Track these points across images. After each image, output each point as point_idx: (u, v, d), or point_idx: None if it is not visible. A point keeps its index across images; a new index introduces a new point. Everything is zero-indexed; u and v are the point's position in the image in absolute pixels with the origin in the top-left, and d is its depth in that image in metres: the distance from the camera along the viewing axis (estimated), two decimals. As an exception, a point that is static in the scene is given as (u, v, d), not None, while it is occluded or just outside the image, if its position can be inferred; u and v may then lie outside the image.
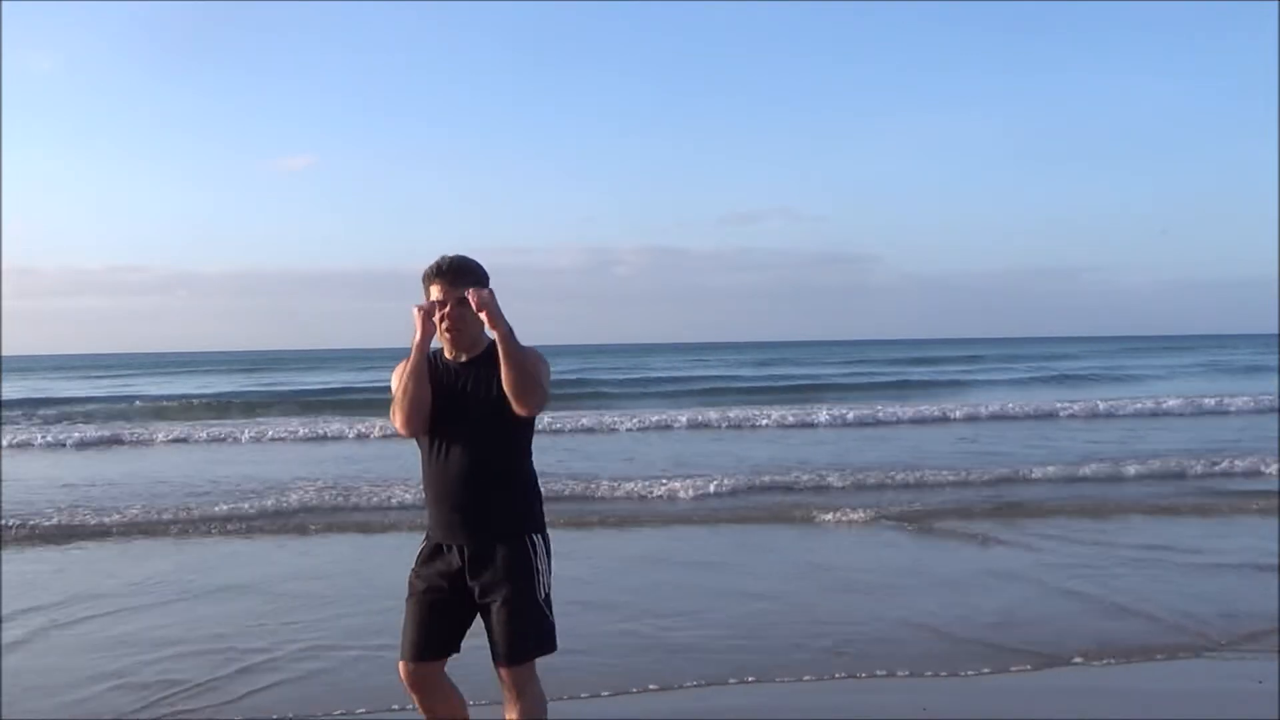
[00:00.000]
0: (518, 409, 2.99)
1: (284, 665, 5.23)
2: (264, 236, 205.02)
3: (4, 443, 17.67)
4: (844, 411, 20.78)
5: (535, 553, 3.08)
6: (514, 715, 3.06)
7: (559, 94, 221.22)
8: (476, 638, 3.11)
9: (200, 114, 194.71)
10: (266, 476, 12.40)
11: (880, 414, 20.54)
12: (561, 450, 15.21)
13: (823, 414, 20.45)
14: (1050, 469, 12.12)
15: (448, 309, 3.05)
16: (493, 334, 2.98)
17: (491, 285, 3.09)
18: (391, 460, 13.40)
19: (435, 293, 3.08)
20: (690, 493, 10.80)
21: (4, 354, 64.08)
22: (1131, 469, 12.14)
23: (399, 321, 3.12)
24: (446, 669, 3.18)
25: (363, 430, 18.09)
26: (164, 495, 11.03)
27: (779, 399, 27.06)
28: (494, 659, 3.07)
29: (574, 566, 7.32)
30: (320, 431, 18.62)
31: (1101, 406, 22.31)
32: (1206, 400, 23.12)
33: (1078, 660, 5.13)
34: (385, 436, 17.03)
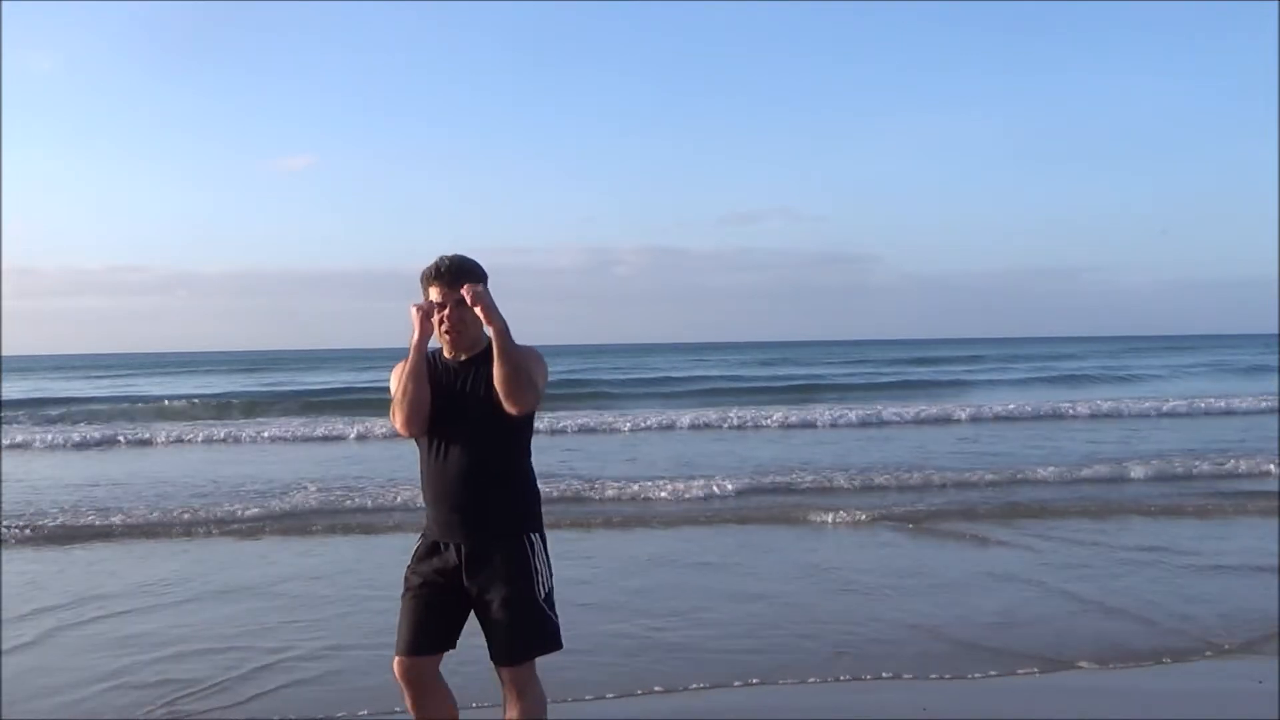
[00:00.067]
0: (507, 407, 2.97)
1: (293, 667, 5.25)
2: (264, 236, 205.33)
3: (5, 443, 17.69)
4: (845, 411, 20.81)
5: (534, 552, 3.08)
6: (515, 715, 3.06)
7: (559, 94, 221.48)
8: (476, 638, 3.12)
9: (200, 114, 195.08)
10: (269, 477, 12.43)
11: (882, 414, 20.55)
12: (563, 450, 15.21)
13: (824, 414, 20.48)
14: (1051, 470, 12.14)
15: (447, 311, 3.04)
16: (489, 331, 2.98)
17: (491, 285, 3.07)
18: (394, 460, 13.42)
19: (434, 294, 3.07)
20: (692, 493, 10.82)
21: (4, 354, 64.18)
22: (1132, 470, 12.16)
23: (399, 321, 3.11)
24: (443, 671, 3.16)
25: (364, 430, 18.11)
26: (167, 496, 11.05)
27: (780, 399, 27.07)
28: (493, 659, 3.07)
29: (576, 567, 7.34)
30: (321, 431, 18.66)
31: (1104, 407, 22.33)
32: (1209, 400, 23.14)
33: (1079, 663, 5.15)
34: (386, 437, 17.04)
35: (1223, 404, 22.53)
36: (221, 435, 18.61)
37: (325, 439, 18.09)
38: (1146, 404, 23.11)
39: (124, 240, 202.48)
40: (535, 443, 3.22)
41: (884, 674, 4.99)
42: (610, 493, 10.89)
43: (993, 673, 5.01)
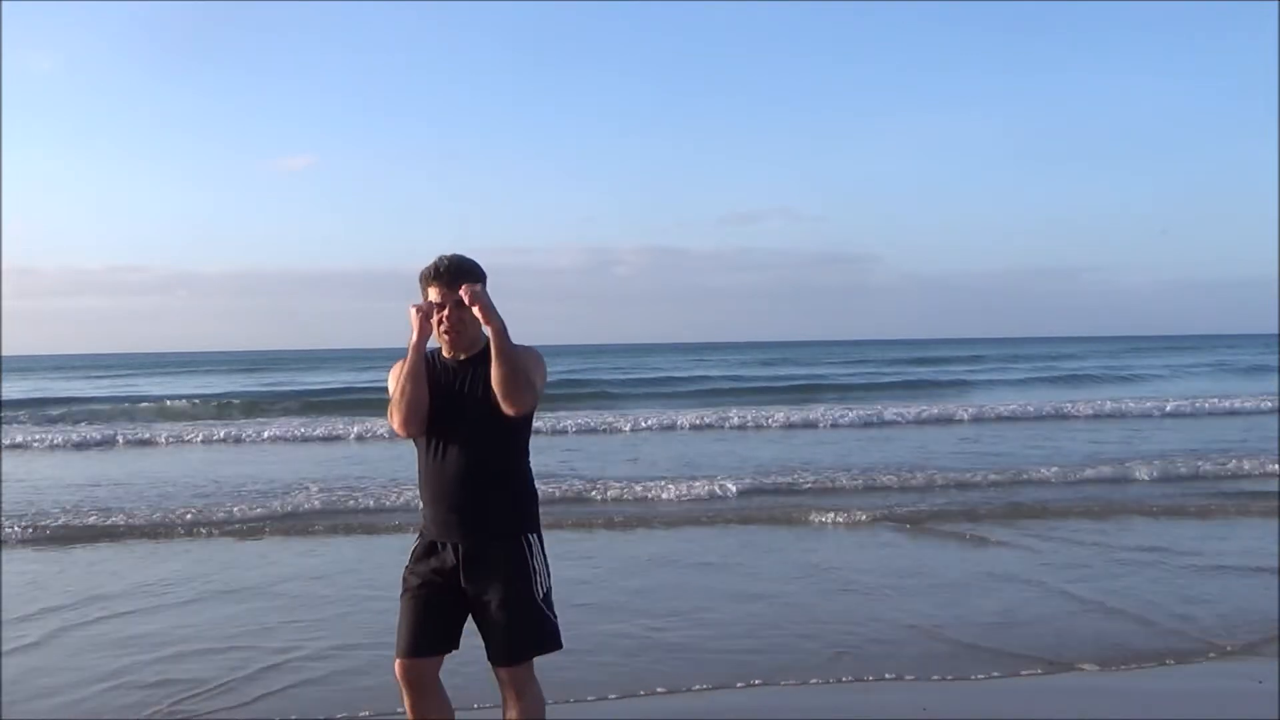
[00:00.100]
0: (505, 408, 2.96)
1: (299, 667, 5.26)
2: (264, 236, 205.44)
3: (5, 443, 17.71)
4: (846, 411, 20.83)
5: (532, 553, 3.08)
6: (514, 715, 3.06)
7: (559, 94, 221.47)
8: (476, 638, 3.12)
9: (200, 114, 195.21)
10: (270, 477, 12.44)
11: (883, 414, 20.56)
12: (564, 450, 15.23)
13: (825, 414, 20.49)
14: (1052, 470, 12.14)
15: (446, 311, 3.03)
16: (487, 331, 2.98)
17: (491, 285, 3.06)
18: (394, 460, 13.42)
19: (433, 294, 3.06)
20: (693, 493, 10.83)
21: (4, 354, 64.20)
22: (1133, 470, 12.16)
23: (399, 321, 3.09)
24: (442, 671, 3.16)
25: (364, 430, 18.12)
26: (169, 496, 11.06)
27: (781, 399, 27.09)
28: (491, 659, 3.07)
29: (577, 567, 7.36)
30: (321, 431, 18.67)
31: (1106, 407, 22.34)
32: (1213, 401, 23.15)
33: (1078, 663, 5.16)
34: (387, 437, 17.05)
35: (1226, 405, 22.53)
36: (222, 435, 18.63)
37: (325, 439, 18.10)
38: (1148, 404, 23.12)
39: (124, 240, 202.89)
40: (536, 443, 3.22)
41: (886, 675, 4.99)
42: (612, 493, 10.89)
43: (995, 674, 5.01)
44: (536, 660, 3.09)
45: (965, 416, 20.77)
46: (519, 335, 3.00)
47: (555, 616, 3.11)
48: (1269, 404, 22.35)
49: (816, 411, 21.01)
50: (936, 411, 21.29)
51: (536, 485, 3.23)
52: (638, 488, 11.04)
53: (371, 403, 23.52)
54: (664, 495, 10.76)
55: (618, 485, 11.20)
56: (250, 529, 9.34)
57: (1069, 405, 22.54)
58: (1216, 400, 23.25)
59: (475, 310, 2.95)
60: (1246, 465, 12.40)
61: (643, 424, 19.85)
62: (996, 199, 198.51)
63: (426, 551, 3.12)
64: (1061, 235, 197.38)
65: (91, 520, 9.65)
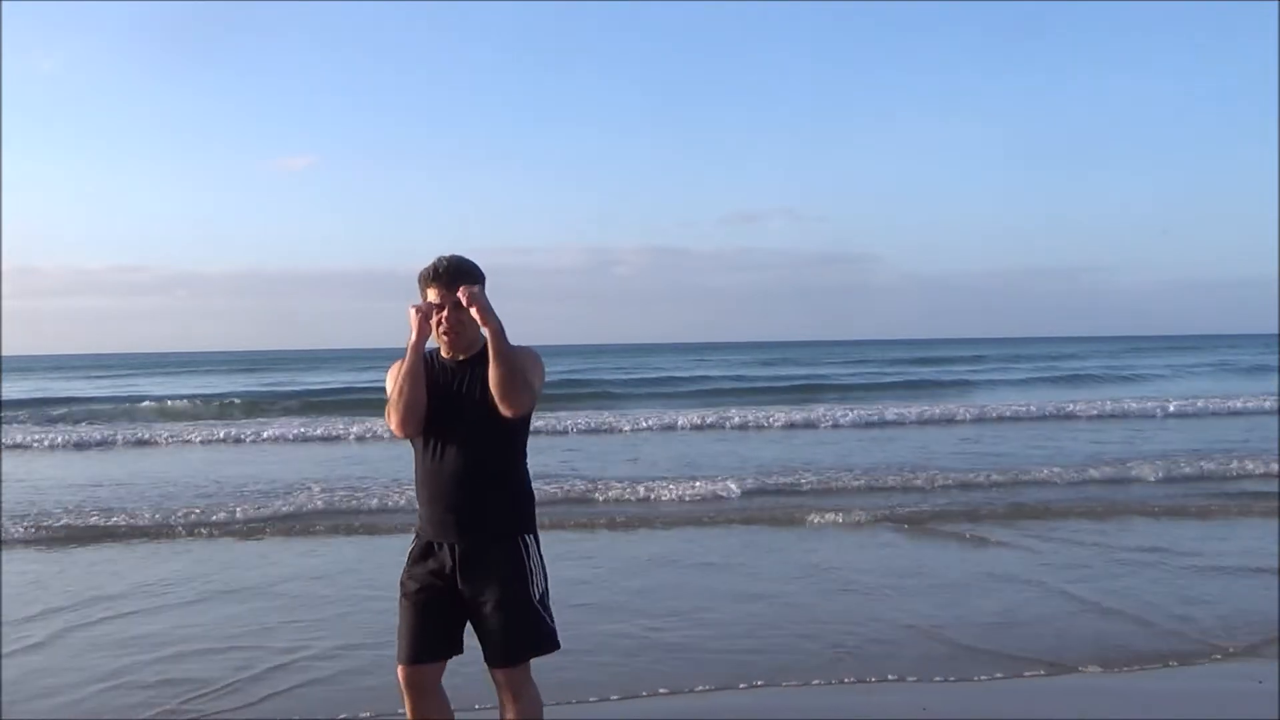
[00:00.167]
0: (502, 409, 2.96)
1: (305, 667, 5.27)
2: (264, 236, 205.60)
3: (6, 443, 17.72)
4: (847, 411, 20.82)
5: (528, 553, 3.08)
6: (511, 716, 3.07)
7: (559, 94, 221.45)
8: (475, 639, 3.11)
9: (200, 114, 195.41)
10: (271, 477, 12.45)
11: (884, 414, 20.56)
12: (564, 450, 15.23)
13: (826, 414, 20.48)
14: (1053, 470, 12.14)
15: (445, 312, 3.03)
16: (485, 332, 2.98)
17: (491, 285, 3.06)
18: (395, 461, 13.42)
19: (432, 295, 3.06)
20: (694, 494, 10.83)
21: (4, 354, 64.24)
22: (1134, 470, 12.16)
23: (399, 321, 3.09)
24: (442, 677, 3.15)
25: (364, 431, 18.13)
26: (170, 496, 11.08)
27: (782, 399, 27.09)
28: (488, 661, 3.07)
29: (578, 568, 7.37)
30: (322, 431, 18.67)
31: (1108, 407, 22.33)
32: (1215, 400, 23.14)
33: (1078, 664, 5.16)
34: (387, 438, 17.02)
35: (1228, 405, 22.51)
36: (222, 435, 18.64)
37: (326, 439, 18.11)
38: (1149, 404, 23.11)
39: (124, 240, 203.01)
40: (536, 443, 3.22)
41: (888, 676, 4.99)
42: (612, 493, 10.89)
43: (997, 675, 5.02)
44: (536, 661, 3.08)
45: (966, 417, 20.76)
46: (519, 335, 3.01)
47: (551, 618, 3.11)
48: (1270, 404, 22.35)
49: (817, 411, 21.00)
50: (938, 412, 21.28)
51: (536, 486, 3.23)
52: (638, 488, 11.04)
53: (371, 403, 23.51)
54: (664, 495, 10.76)
55: (618, 485, 11.20)
56: (251, 529, 9.35)
57: (1070, 405, 22.54)
58: (1218, 400, 23.24)
59: (473, 312, 2.96)
60: (1249, 465, 12.38)
61: (643, 424, 19.85)
62: (997, 199, 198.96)
63: (423, 553, 3.11)
64: (1062, 235, 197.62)
65: (94, 520, 9.67)
